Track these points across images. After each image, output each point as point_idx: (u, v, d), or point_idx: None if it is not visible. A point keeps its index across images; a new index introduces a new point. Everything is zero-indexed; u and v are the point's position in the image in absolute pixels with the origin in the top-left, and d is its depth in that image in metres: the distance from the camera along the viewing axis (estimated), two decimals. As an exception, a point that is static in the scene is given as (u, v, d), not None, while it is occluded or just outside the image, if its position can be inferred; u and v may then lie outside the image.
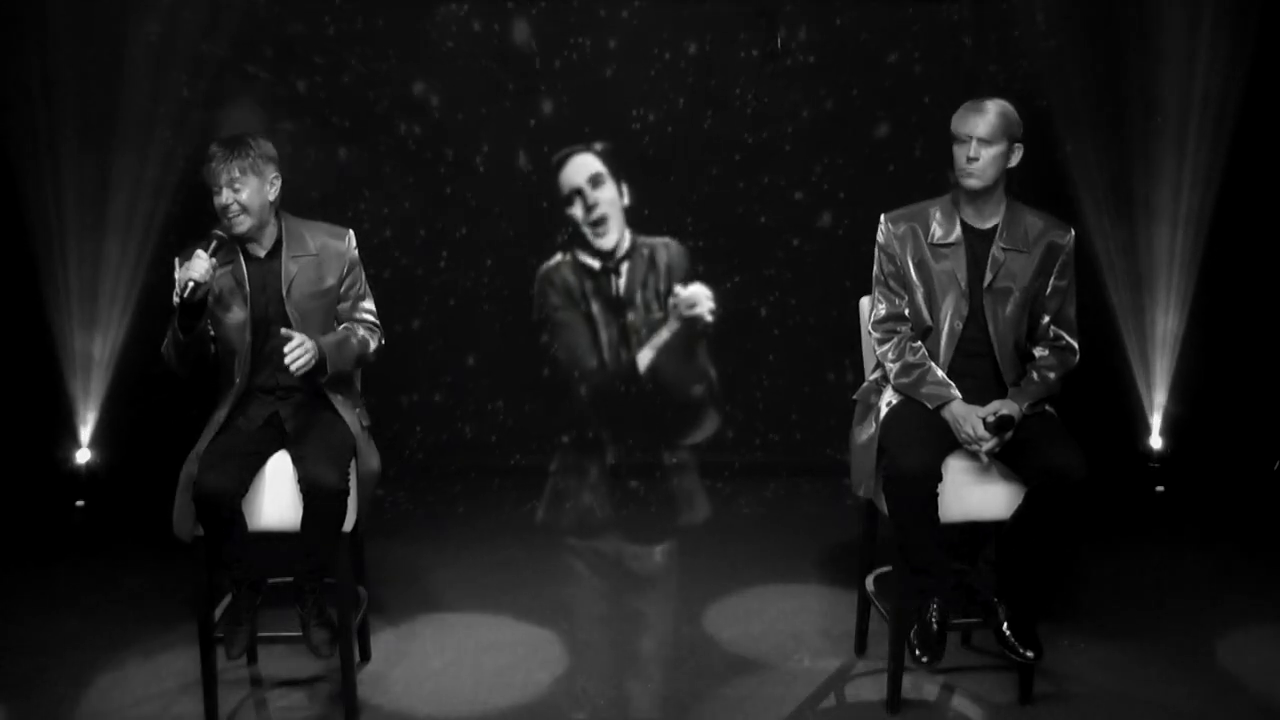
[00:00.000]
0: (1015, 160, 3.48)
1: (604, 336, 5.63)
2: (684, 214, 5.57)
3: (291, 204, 3.61)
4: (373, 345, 3.60)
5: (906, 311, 3.56)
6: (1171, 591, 4.31)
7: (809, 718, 3.51)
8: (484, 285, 5.58)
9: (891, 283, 3.57)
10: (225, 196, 3.40)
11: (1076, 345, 3.56)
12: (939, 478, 3.35)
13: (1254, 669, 3.74)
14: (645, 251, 5.59)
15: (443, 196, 5.50)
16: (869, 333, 3.64)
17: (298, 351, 3.31)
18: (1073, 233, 3.57)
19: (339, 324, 3.58)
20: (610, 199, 5.55)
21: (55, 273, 5.15)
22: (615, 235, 5.58)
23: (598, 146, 5.51)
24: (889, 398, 3.54)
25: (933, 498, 3.34)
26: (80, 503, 5.17)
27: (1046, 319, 3.54)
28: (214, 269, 3.36)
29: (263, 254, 3.51)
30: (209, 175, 3.41)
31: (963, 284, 3.49)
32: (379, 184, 5.47)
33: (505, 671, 3.76)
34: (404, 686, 3.67)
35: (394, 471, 4.53)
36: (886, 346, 3.55)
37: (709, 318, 5.63)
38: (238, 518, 3.34)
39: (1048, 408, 3.51)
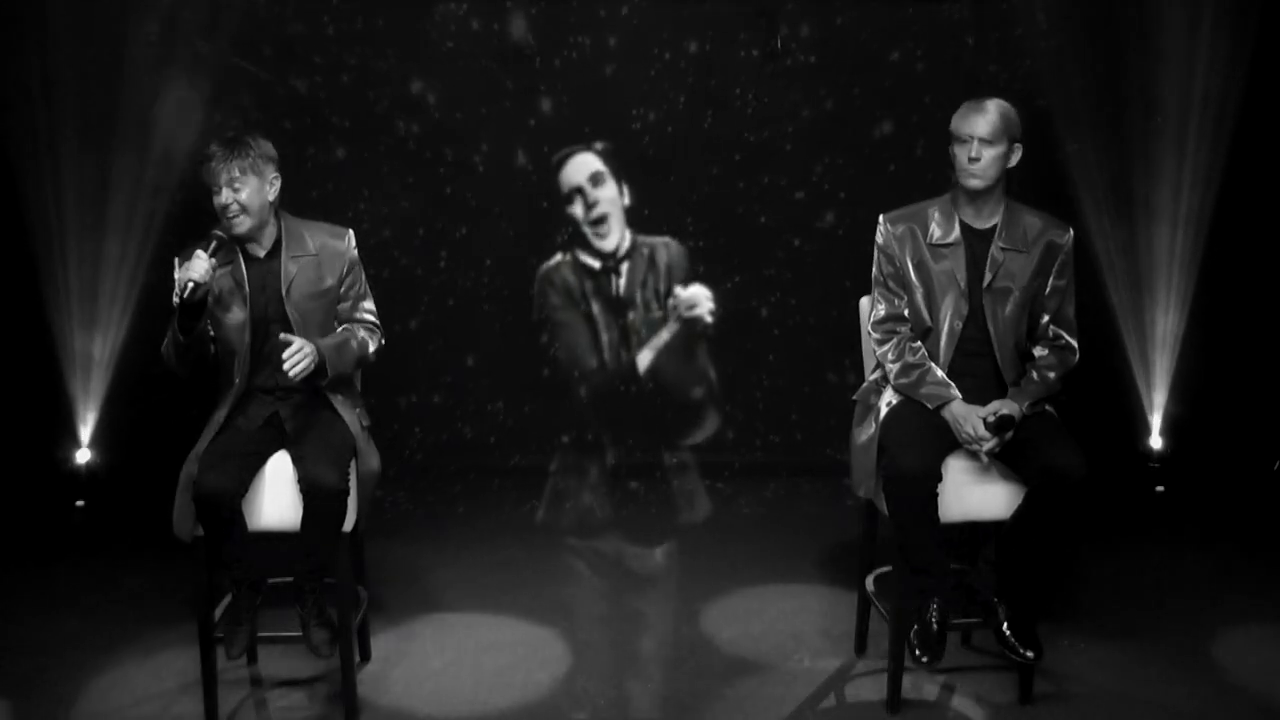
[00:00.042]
0: (1015, 160, 3.48)
1: (604, 337, 5.62)
2: (684, 214, 5.56)
3: (291, 204, 3.61)
4: (373, 346, 3.60)
5: (906, 312, 3.56)
6: (1171, 591, 4.30)
7: (809, 718, 3.51)
8: (484, 285, 5.57)
9: (891, 283, 3.57)
10: (225, 196, 3.40)
11: (1076, 345, 3.56)
12: (939, 478, 3.35)
13: (1254, 669, 3.74)
14: (645, 251, 5.58)
15: (442, 196, 5.50)
16: (869, 333, 3.64)
17: (296, 357, 3.30)
18: (1071, 232, 3.57)
19: (339, 324, 3.58)
20: (611, 198, 5.54)
21: (55, 273, 5.14)
22: (616, 235, 5.57)
23: (598, 146, 5.51)
24: (889, 398, 3.54)
25: (933, 498, 3.34)
26: (80, 503, 5.17)
27: (1046, 318, 3.54)
28: (214, 269, 3.36)
29: (262, 254, 3.51)
30: (208, 175, 3.41)
31: (962, 284, 3.49)
32: (378, 184, 5.46)
33: (505, 671, 3.76)
34: (404, 686, 3.67)
35: (394, 471, 4.53)
36: (886, 347, 3.55)
37: (709, 318, 5.62)
38: (238, 518, 3.33)
39: (1048, 408, 3.50)
